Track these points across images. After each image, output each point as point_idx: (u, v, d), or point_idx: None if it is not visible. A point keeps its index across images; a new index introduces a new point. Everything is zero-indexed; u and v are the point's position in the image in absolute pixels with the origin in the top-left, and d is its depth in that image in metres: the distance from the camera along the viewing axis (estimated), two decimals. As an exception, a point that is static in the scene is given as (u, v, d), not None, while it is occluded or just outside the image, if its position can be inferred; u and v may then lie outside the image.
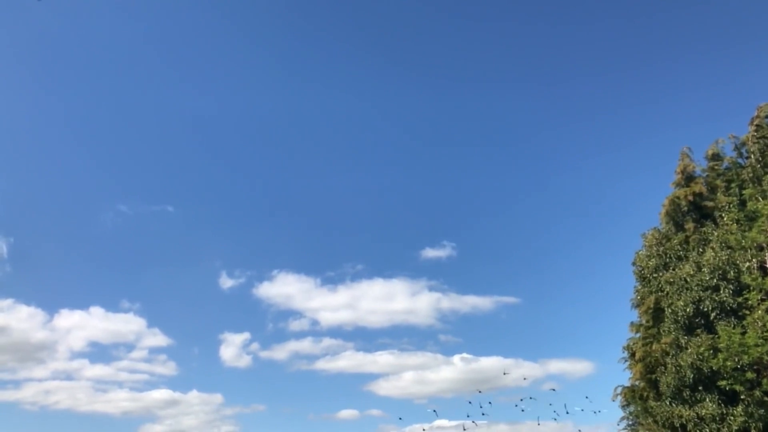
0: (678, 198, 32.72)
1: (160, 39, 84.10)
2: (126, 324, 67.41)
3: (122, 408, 63.70)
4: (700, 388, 27.87)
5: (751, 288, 26.64)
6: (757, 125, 31.61)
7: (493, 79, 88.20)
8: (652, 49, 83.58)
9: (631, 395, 33.15)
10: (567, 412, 26.19)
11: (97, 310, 68.05)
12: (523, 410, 25.70)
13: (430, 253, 72.97)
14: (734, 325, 27.04)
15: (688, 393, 28.18)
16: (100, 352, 69.40)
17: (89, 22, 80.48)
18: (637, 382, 32.68)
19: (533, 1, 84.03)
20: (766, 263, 27.84)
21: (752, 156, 31.32)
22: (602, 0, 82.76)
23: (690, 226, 32.03)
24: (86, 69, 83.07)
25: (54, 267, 77.20)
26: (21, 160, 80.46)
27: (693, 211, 32.59)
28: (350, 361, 65.97)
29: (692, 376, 27.63)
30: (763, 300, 26.60)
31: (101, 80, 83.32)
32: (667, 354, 29.33)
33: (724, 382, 26.52)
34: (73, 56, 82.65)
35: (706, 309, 28.37)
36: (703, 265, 29.08)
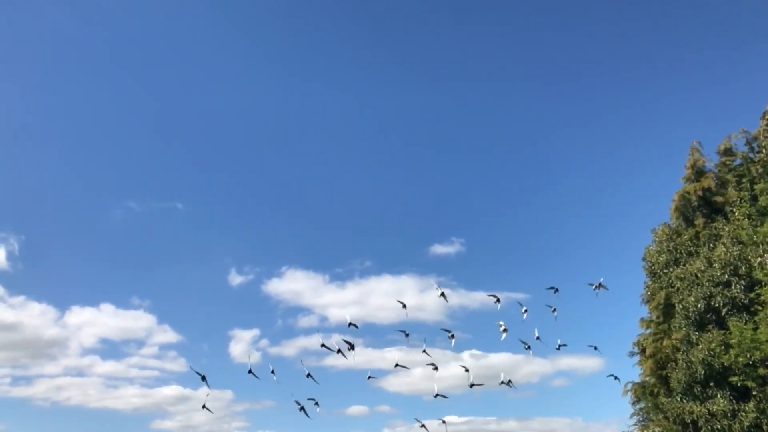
0: (688, 193, 32.53)
1: (170, 37, 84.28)
2: (136, 321, 67.67)
3: (133, 404, 64.00)
4: (712, 384, 27.72)
5: (763, 283, 26.43)
6: (768, 119, 31.34)
7: (501, 77, 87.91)
8: (662, 45, 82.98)
9: (641, 391, 33.07)
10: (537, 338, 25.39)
11: (107, 307, 68.33)
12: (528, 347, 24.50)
13: (438, 249, 72.76)
14: (746, 320, 26.86)
15: (699, 389, 28.05)
16: (110, 348, 69.67)
17: (96, 20, 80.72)
18: (647, 378, 32.59)
19: (549, 1, 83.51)
20: (777, 259, 27.63)
21: (764, 150, 31.04)
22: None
23: (700, 221, 31.84)
24: (95, 67, 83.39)
25: (65, 264, 77.57)
26: (31, 158, 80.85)
27: (703, 207, 32.40)
28: (359, 357, 65.69)
29: (703, 372, 27.49)
30: (775, 295, 26.41)
31: (110, 78, 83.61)
32: (678, 350, 29.21)
33: (735, 378, 26.40)
34: (82, 55, 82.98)
35: (717, 305, 28.19)
36: (714, 260, 28.89)
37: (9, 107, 78.64)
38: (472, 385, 22.50)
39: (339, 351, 20.82)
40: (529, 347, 24.45)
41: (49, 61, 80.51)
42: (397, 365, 22.53)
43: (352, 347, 20.81)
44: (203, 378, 20.58)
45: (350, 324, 21.28)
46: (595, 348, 29.23)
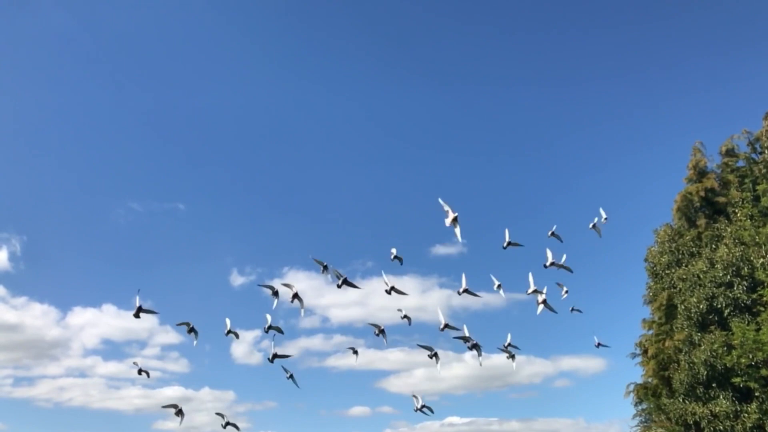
0: (690, 194, 32.46)
1: (170, 37, 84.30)
2: (138, 321, 67.39)
3: (135, 405, 64.11)
4: (714, 385, 27.71)
5: (766, 284, 26.38)
6: (771, 120, 31.27)
7: (502, 79, 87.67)
8: (664, 46, 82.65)
9: (643, 392, 33.03)
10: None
11: (109, 308, 68.44)
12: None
13: (440, 249, 72.67)
14: (748, 321, 26.81)
15: (701, 390, 28.03)
16: (112, 349, 69.80)
17: (96, 20, 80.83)
18: (649, 379, 32.56)
19: (552, 3, 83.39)
20: (780, 259, 27.57)
21: (766, 151, 31.01)
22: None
23: (702, 222, 31.79)
24: (95, 67, 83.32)
25: (67, 265, 77.59)
26: (33, 159, 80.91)
27: (705, 207, 32.37)
28: (361, 357, 65.44)
29: (706, 373, 27.47)
30: (777, 296, 26.37)
31: (111, 78, 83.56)
32: (680, 351, 29.18)
33: (738, 379, 26.37)
34: (82, 55, 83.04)
35: (719, 305, 28.15)
36: (717, 261, 28.85)
37: (9, 107, 78.81)
38: (460, 334, 20.64)
39: (295, 296, 19.96)
40: (545, 303, 21.85)
41: (49, 61, 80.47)
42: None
43: (296, 296, 20.08)
44: (191, 329, 19.54)
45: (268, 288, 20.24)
46: (599, 345, 26.31)
